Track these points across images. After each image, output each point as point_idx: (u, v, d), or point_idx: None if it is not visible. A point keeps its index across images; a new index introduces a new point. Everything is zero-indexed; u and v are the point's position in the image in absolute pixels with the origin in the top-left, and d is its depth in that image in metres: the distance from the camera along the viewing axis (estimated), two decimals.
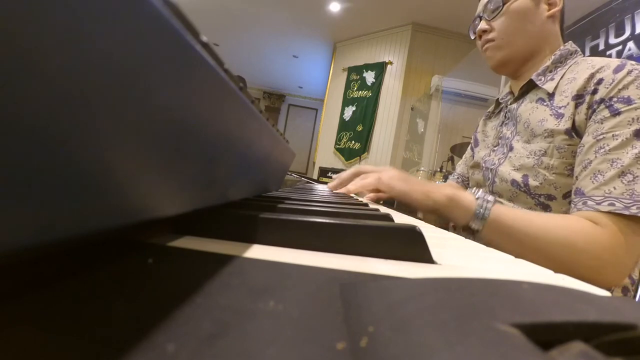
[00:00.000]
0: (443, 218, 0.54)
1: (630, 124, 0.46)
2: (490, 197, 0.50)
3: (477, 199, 0.50)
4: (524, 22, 0.61)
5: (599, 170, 0.46)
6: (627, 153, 0.45)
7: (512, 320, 0.07)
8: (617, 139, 0.46)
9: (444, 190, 0.52)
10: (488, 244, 0.50)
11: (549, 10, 0.61)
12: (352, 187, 0.64)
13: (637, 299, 0.61)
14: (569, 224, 0.46)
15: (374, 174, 0.62)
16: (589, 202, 0.46)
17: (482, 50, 0.68)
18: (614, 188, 0.45)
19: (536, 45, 0.63)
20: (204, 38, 0.12)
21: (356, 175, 0.69)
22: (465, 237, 0.32)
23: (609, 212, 0.44)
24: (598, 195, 0.46)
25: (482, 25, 0.66)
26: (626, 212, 0.43)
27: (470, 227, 0.50)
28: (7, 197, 0.06)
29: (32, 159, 0.06)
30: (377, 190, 0.62)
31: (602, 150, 0.47)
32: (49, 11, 0.06)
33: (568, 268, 0.44)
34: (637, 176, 0.44)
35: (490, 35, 0.65)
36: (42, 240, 0.07)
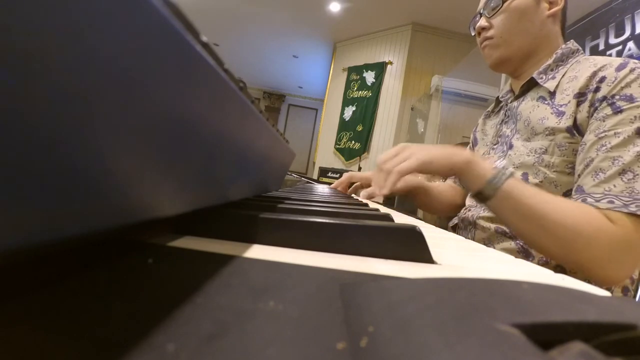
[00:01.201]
0: (460, 181, 0.53)
1: (632, 122, 0.46)
2: (509, 171, 0.49)
3: (494, 168, 0.49)
4: (523, 21, 0.61)
5: (600, 168, 0.47)
6: (629, 151, 0.45)
7: (512, 320, 0.07)
8: (618, 137, 0.46)
9: (464, 154, 0.51)
10: (496, 214, 0.47)
11: (550, 9, 0.61)
12: (397, 168, 0.50)
13: (637, 298, 0.61)
14: (582, 210, 0.45)
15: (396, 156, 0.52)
16: (588, 199, 0.46)
17: (481, 48, 0.68)
18: (614, 186, 0.45)
19: (535, 45, 0.63)
20: (204, 38, 0.12)
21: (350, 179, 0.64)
22: (465, 237, 0.32)
23: (607, 209, 0.44)
24: (597, 193, 0.46)
25: (482, 22, 0.65)
26: (625, 210, 0.43)
27: (481, 193, 0.49)
28: (7, 197, 0.06)
29: (32, 159, 0.06)
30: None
31: (603, 148, 0.47)
32: (48, 11, 0.06)
33: (569, 251, 0.44)
34: (637, 174, 0.44)
35: (489, 33, 0.64)
36: (42, 240, 0.07)
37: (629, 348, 0.07)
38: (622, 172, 0.45)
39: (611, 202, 0.44)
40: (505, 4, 0.61)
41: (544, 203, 0.45)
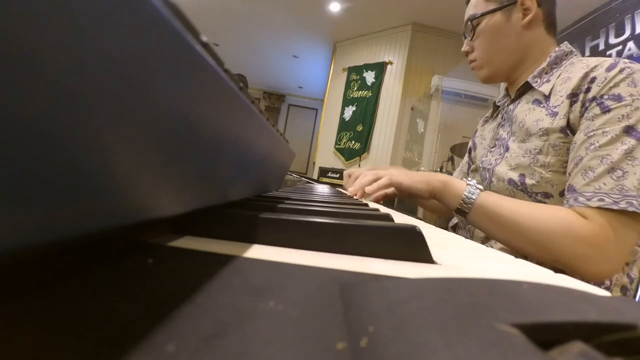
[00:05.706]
0: (440, 202, 0.60)
1: (620, 121, 0.47)
2: (480, 186, 0.55)
3: (468, 185, 0.55)
4: (498, 39, 0.64)
5: (589, 167, 0.47)
6: (617, 149, 0.46)
7: (512, 320, 0.07)
8: (607, 136, 0.47)
9: (439, 177, 0.59)
10: (476, 226, 0.53)
11: (524, 18, 0.62)
12: (367, 189, 0.63)
13: (637, 298, 0.61)
14: (553, 212, 0.48)
15: (373, 173, 0.64)
16: (580, 198, 0.47)
17: (471, 68, 0.71)
18: (604, 184, 0.45)
19: (519, 55, 0.64)
20: (204, 38, 0.12)
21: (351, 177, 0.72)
22: (465, 237, 0.32)
23: (598, 208, 0.45)
24: (588, 192, 0.46)
25: (464, 46, 0.70)
26: (615, 207, 0.44)
27: (459, 209, 0.55)
28: (7, 197, 0.06)
29: (32, 159, 0.06)
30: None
31: (592, 147, 0.48)
32: (49, 11, 0.06)
33: (546, 252, 0.46)
34: (626, 172, 0.44)
35: (471, 57, 0.69)
36: (42, 240, 0.07)
37: (629, 348, 0.07)
38: (611, 170, 0.45)
39: (602, 199, 0.45)
40: (478, 28, 0.65)
41: (516, 212, 0.49)
